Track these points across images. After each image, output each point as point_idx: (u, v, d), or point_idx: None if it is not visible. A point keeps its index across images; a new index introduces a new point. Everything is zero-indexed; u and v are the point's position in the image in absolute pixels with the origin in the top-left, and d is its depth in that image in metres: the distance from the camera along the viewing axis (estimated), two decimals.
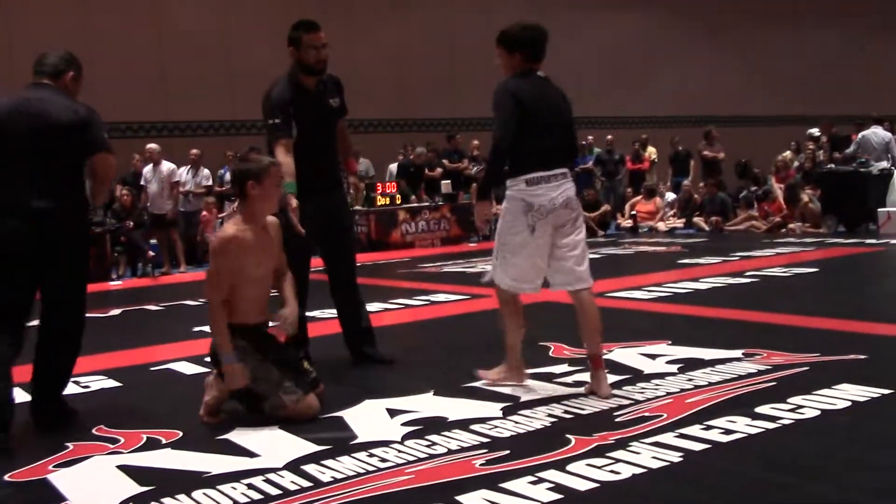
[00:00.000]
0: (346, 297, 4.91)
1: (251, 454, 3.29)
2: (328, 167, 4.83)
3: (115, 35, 14.32)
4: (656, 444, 3.11)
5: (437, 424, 3.53)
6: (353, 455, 3.19)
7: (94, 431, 3.75)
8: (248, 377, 3.68)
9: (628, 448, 3.08)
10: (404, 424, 3.56)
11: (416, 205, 13.86)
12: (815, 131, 15.21)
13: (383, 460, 3.12)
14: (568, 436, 3.25)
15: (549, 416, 3.57)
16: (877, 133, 12.81)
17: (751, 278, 7.62)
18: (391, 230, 13.39)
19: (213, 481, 3.00)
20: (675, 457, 2.97)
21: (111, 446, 3.51)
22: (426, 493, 2.77)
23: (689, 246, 11.23)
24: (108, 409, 4.17)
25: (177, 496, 2.87)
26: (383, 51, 16.65)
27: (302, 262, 4.63)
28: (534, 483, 2.79)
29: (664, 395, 3.76)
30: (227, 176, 13.15)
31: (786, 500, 2.61)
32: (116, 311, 8.00)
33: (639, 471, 2.86)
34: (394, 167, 14.91)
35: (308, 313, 4.92)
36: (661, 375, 4.13)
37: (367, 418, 3.69)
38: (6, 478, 3.20)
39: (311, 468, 3.07)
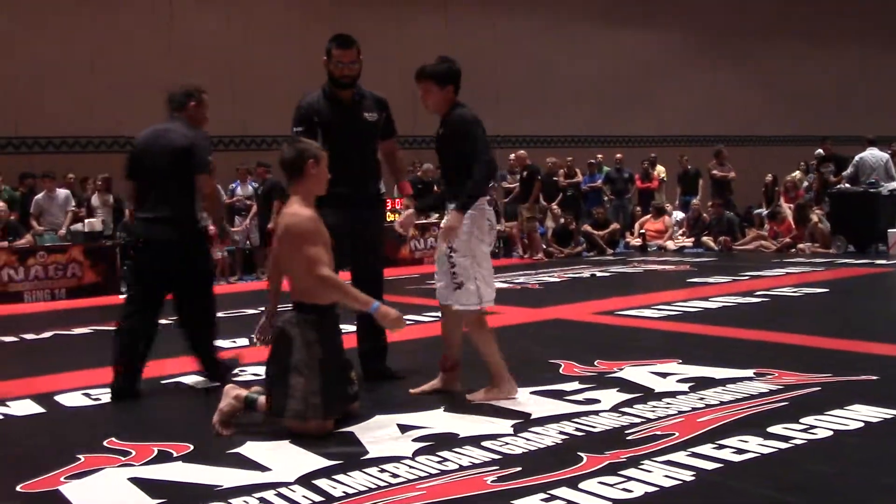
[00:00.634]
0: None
1: (263, 468, 3.29)
2: (362, 181, 4.81)
3: (121, 49, 14.41)
4: (668, 462, 3.10)
5: (448, 441, 3.53)
6: (364, 470, 3.19)
7: (105, 444, 3.75)
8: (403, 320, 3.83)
9: (640, 466, 3.07)
10: (416, 440, 3.56)
11: (424, 221, 13.87)
12: (822, 152, 15.23)
13: (395, 476, 3.12)
14: (579, 453, 3.25)
15: (561, 433, 3.56)
16: (874, 154, 12.82)
17: (761, 298, 7.61)
18: (400, 247, 13.40)
19: (224, 495, 3.00)
20: (688, 475, 2.96)
21: (122, 458, 3.52)
22: None
23: (699, 265, 11.22)
24: (120, 422, 4.19)
25: None
26: (390, 66, 16.70)
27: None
28: (546, 500, 2.79)
29: (676, 414, 3.75)
30: (239, 190, 13.21)
31: None
32: None
33: (651, 489, 2.85)
34: None
35: None
36: (673, 394, 4.12)
37: (378, 434, 3.69)
38: (18, 489, 3.20)
39: (322, 483, 3.07)
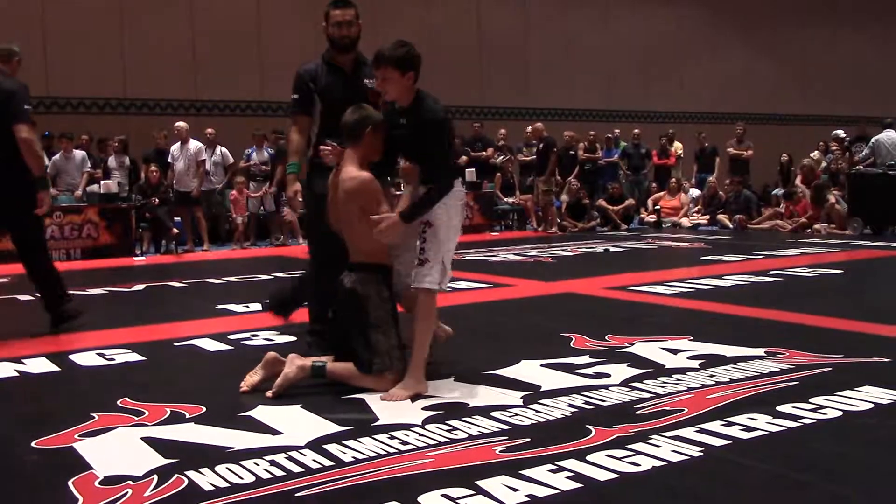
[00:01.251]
0: None
1: (274, 431, 3.33)
2: None
3: (148, 13, 14.40)
4: (676, 437, 3.11)
5: (457, 410, 3.55)
6: (374, 437, 3.22)
7: (118, 403, 3.79)
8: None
9: (648, 441, 3.08)
10: (425, 409, 3.58)
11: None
12: (841, 132, 15.09)
13: (404, 443, 3.15)
14: (588, 426, 3.27)
15: (570, 406, 3.58)
16: (890, 136, 12.70)
17: (774, 277, 7.59)
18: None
19: (236, 456, 3.04)
20: (696, 451, 2.98)
21: (136, 418, 3.56)
22: (446, 477, 2.79)
23: (713, 243, 11.18)
24: (133, 383, 4.23)
25: (200, 469, 2.91)
26: (410, 38, 16.61)
27: (329, 240, 4.63)
28: (554, 471, 2.81)
29: (685, 390, 3.76)
30: (255, 155, 13.22)
31: (805, 498, 2.61)
32: (140, 287, 8.08)
33: (659, 463, 2.87)
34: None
35: None
36: (683, 370, 4.13)
37: (388, 401, 3.71)
38: (33, 444, 3.25)
39: (332, 447, 3.10)
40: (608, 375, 4.06)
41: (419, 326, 3.90)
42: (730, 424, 3.25)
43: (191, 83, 14.85)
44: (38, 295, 5.90)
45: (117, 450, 3.18)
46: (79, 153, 12.27)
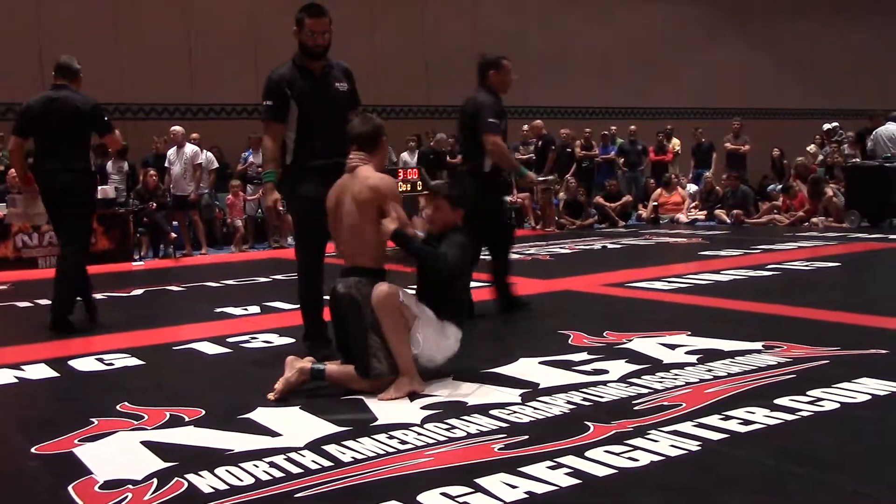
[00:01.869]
0: None
1: (273, 433, 3.33)
2: (340, 151, 4.55)
3: (144, 16, 14.40)
4: (674, 432, 3.12)
5: (456, 408, 3.56)
6: (373, 437, 3.23)
7: (118, 408, 3.80)
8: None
9: (646, 436, 3.09)
10: (424, 408, 3.59)
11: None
12: (828, 125, 15.11)
13: (403, 442, 3.15)
14: (586, 423, 3.27)
15: (568, 402, 3.59)
16: (889, 129, 12.72)
17: (772, 271, 7.60)
18: (411, 217, 13.37)
19: (235, 459, 3.05)
20: (694, 445, 2.99)
21: (135, 422, 3.57)
22: (445, 476, 2.79)
23: (711, 238, 11.20)
24: (132, 387, 4.23)
25: (200, 472, 2.91)
26: (406, 36, 16.64)
27: (317, 245, 4.66)
28: (552, 468, 2.82)
29: (683, 385, 3.77)
30: (252, 158, 13.22)
31: (803, 490, 2.62)
32: (139, 291, 8.09)
33: (657, 458, 2.88)
34: (405, 155, 14.80)
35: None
36: (681, 365, 4.13)
37: (387, 401, 3.72)
38: (33, 450, 3.26)
39: (331, 448, 3.11)
40: (606, 372, 4.07)
41: (385, 327, 3.82)
42: (727, 418, 3.26)
43: (187, 87, 14.86)
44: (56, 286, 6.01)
45: (117, 454, 3.19)
46: None
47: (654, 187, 15.32)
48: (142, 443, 3.29)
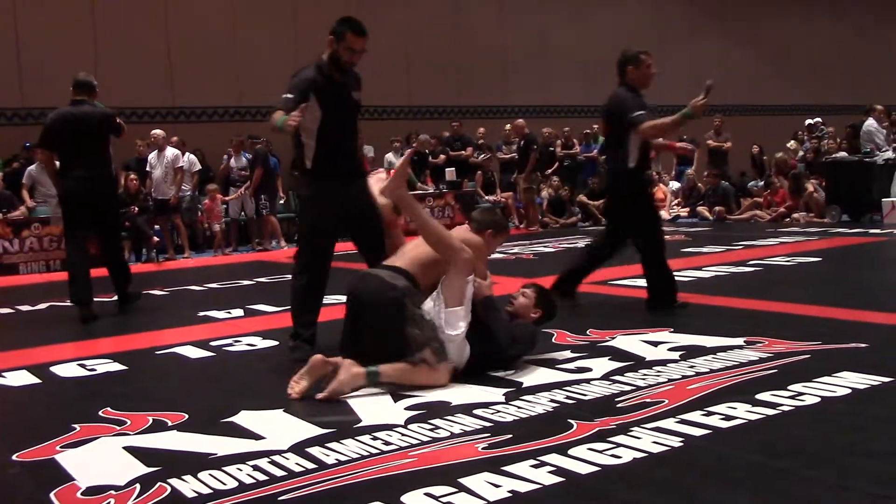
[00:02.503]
0: None
1: (256, 437, 3.32)
2: (350, 156, 4.88)
3: (123, 21, 14.32)
4: (657, 429, 3.13)
5: (440, 409, 3.56)
6: (357, 438, 3.23)
7: (100, 413, 3.78)
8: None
9: (629, 433, 3.10)
10: (408, 409, 3.59)
11: (419, 192, 13.87)
12: (810, 121, 15.20)
13: (387, 443, 3.15)
14: (570, 420, 3.28)
15: (552, 401, 3.60)
16: (868, 125, 12.82)
17: (754, 267, 7.64)
18: (395, 217, 13.37)
19: (218, 463, 3.04)
20: (676, 442, 3.00)
21: (117, 428, 3.55)
22: (429, 476, 2.79)
23: (693, 235, 11.24)
24: (114, 392, 4.21)
25: (183, 477, 2.90)
26: (388, 38, 16.61)
27: (326, 250, 4.76)
28: (535, 466, 2.82)
29: (666, 382, 3.79)
30: (232, 161, 13.17)
31: (785, 484, 2.63)
32: None
33: (640, 455, 2.89)
34: (390, 156, 14.76)
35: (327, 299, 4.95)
36: (663, 362, 4.15)
37: (371, 402, 3.71)
38: (14, 458, 3.23)
39: (315, 450, 3.11)
40: (589, 370, 4.08)
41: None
42: (709, 414, 3.28)
43: (167, 90, 14.78)
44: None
45: (99, 460, 3.17)
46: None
47: None
48: (124, 448, 3.27)
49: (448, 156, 14.88)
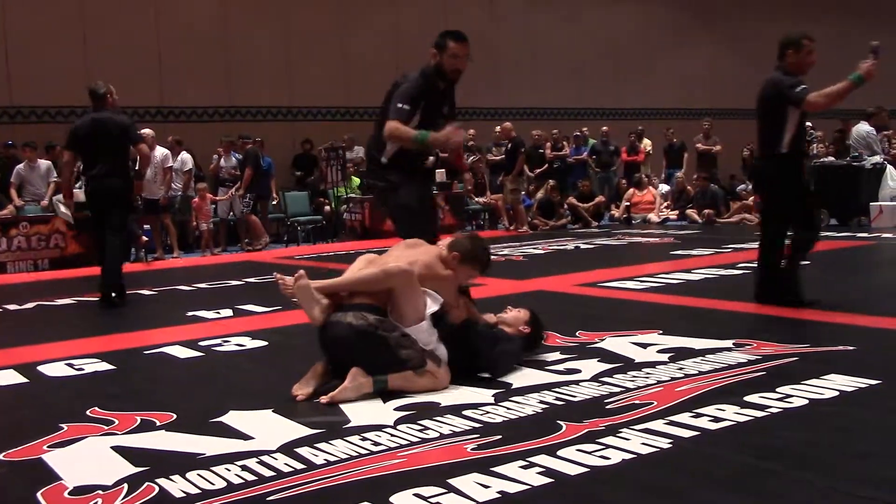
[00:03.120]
0: None
1: (245, 437, 3.31)
2: (423, 160, 5.27)
3: (112, 19, 14.28)
4: (646, 430, 3.14)
5: (429, 410, 3.56)
6: (346, 439, 3.22)
7: (88, 413, 3.76)
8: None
9: (618, 434, 3.11)
10: (397, 409, 3.58)
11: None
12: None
13: (376, 444, 3.15)
14: (559, 422, 3.28)
15: (541, 402, 3.60)
16: (859, 129, 12.88)
17: (742, 270, 7.66)
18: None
19: (207, 462, 3.03)
20: (665, 443, 3.01)
21: (105, 427, 3.53)
22: (418, 476, 2.79)
23: (682, 237, 11.28)
24: (102, 392, 4.19)
25: (171, 476, 2.89)
26: (379, 39, 16.62)
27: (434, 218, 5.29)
28: (525, 467, 2.82)
29: (655, 384, 3.79)
30: (222, 161, 13.13)
31: (773, 486, 2.64)
32: None
33: (629, 456, 2.89)
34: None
35: None
36: (652, 364, 4.16)
37: (360, 403, 3.71)
38: (1, 457, 3.22)
39: (304, 451, 3.10)
40: (579, 371, 4.09)
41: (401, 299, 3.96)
42: (698, 416, 3.29)
43: (156, 90, 14.74)
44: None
45: (87, 460, 3.15)
46: (44, 163, 12.11)
47: (627, 187, 15.41)
48: (112, 448, 3.26)
49: (438, 157, 14.86)
